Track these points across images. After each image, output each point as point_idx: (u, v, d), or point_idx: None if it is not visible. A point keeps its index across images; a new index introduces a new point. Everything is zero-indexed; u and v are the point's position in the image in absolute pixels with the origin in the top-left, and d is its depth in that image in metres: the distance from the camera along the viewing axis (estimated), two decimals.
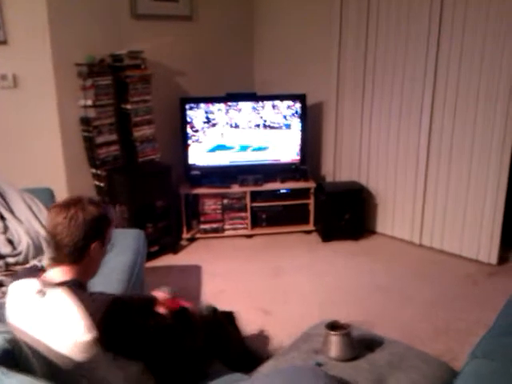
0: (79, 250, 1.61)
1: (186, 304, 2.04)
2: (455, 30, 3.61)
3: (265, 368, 1.94)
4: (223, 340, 2.13)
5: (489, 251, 3.75)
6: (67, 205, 1.62)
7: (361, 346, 1.99)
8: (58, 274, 1.61)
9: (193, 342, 1.94)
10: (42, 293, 1.53)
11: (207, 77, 4.67)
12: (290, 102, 4.41)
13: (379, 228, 4.47)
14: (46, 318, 1.52)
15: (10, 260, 2.76)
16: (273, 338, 2.89)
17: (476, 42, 3.53)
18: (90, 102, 3.63)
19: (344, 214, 4.27)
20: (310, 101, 4.49)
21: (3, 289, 2.54)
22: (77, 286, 1.57)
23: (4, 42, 3.39)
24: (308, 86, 4.60)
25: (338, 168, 4.66)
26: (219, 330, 2.11)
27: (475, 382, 1.62)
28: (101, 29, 3.79)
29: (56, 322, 1.51)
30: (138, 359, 1.65)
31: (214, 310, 2.18)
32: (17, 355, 1.35)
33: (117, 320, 1.55)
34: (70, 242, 1.59)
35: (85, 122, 3.70)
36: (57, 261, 1.63)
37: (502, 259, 3.81)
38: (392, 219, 4.35)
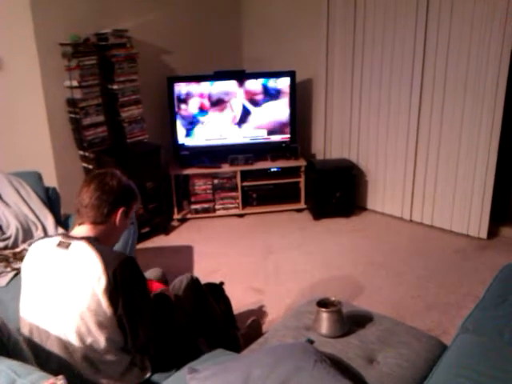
0: (105, 212, 1.76)
1: (161, 286, 2.06)
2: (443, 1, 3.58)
3: (256, 345, 1.95)
4: (206, 314, 2.14)
5: (479, 226, 3.78)
6: (103, 172, 1.83)
7: (351, 322, 2.00)
8: (82, 230, 1.75)
9: (179, 320, 1.96)
10: (66, 245, 1.66)
11: (194, 55, 4.60)
12: (280, 79, 4.37)
13: (370, 205, 4.48)
14: (69, 268, 1.63)
15: None
16: (265, 315, 2.91)
17: (465, 8, 3.49)
18: (75, 83, 3.57)
19: (335, 191, 4.27)
20: (299, 77, 4.45)
21: None
22: (97, 241, 1.71)
23: None
24: (297, 62, 4.55)
25: (328, 146, 4.65)
26: (202, 304, 2.12)
27: (463, 357, 1.64)
28: (84, 7, 3.71)
29: (78, 271, 1.62)
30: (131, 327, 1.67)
31: (197, 281, 2.18)
32: (5, 341, 1.34)
33: (127, 275, 1.62)
34: (99, 203, 1.74)
35: (71, 103, 3.65)
36: (83, 220, 1.77)
37: (492, 233, 3.84)
38: (382, 196, 4.36)
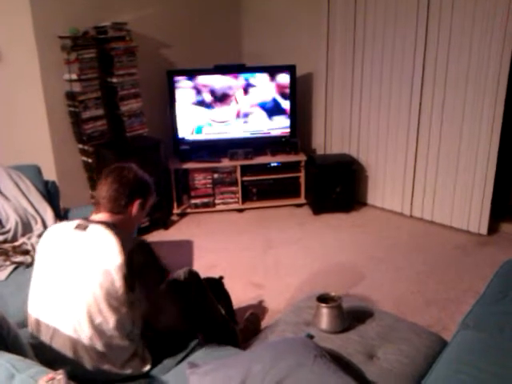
0: (122, 204, 1.84)
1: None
2: None
3: (256, 340, 1.95)
4: (205, 308, 2.14)
5: (479, 222, 3.77)
6: (121, 166, 1.91)
7: (351, 317, 2.00)
8: (99, 217, 1.83)
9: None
10: (83, 227, 1.72)
11: (194, 49, 4.57)
12: (280, 74, 4.35)
13: (370, 200, 4.47)
14: (86, 248, 1.69)
15: None
16: (264, 310, 2.90)
17: (467, 3, 3.47)
18: (74, 76, 3.55)
19: (335, 186, 4.26)
20: (299, 72, 4.42)
21: None
22: (115, 227, 1.76)
23: None
24: (297, 57, 4.53)
25: (328, 140, 4.63)
26: (201, 298, 2.12)
27: (464, 353, 1.64)
28: (83, 0, 3.68)
29: (94, 250, 1.67)
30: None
31: (196, 275, 2.17)
32: (5, 335, 1.33)
33: (143, 256, 1.70)
34: (116, 195, 1.82)
35: (70, 96, 3.63)
36: (100, 210, 1.84)
37: (492, 229, 3.83)
38: (383, 191, 4.35)
